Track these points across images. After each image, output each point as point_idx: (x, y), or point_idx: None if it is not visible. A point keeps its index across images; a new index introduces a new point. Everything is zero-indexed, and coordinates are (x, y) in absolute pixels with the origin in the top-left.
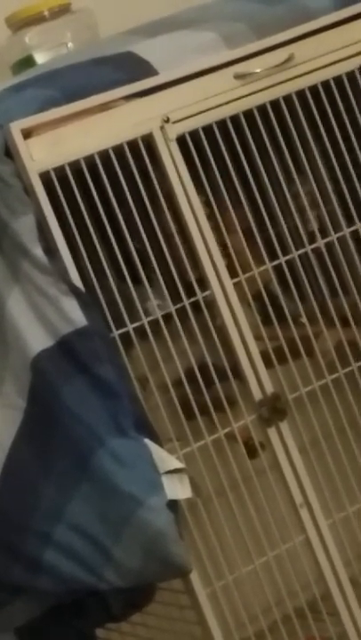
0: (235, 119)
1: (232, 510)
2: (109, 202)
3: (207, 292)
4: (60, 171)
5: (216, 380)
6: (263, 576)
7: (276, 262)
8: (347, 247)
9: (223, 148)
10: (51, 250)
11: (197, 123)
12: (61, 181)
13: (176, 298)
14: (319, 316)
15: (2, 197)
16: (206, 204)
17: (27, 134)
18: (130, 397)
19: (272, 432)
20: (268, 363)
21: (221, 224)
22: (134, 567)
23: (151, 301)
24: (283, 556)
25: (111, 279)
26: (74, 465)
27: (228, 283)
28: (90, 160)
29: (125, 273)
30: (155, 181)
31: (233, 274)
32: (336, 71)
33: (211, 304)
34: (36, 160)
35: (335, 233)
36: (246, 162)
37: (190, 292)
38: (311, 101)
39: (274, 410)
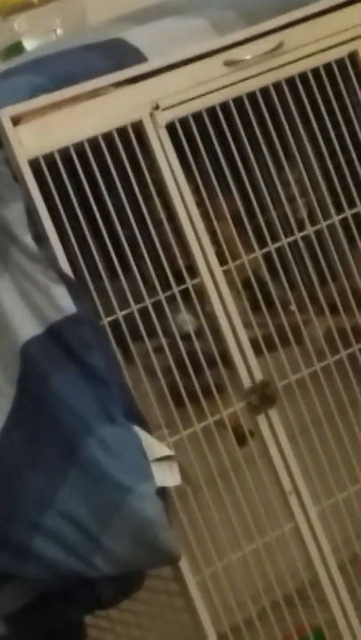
0: (224, 106)
1: (221, 498)
2: (99, 189)
3: (196, 280)
4: (49, 158)
5: (205, 368)
6: (252, 563)
7: (265, 250)
8: (336, 235)
9: (213, 136)
10: (40, 237)
11: (187, 110)
12: (51, 168)
13: (166, 285)
14: (308, 303)
15: None
16: (196, 191)
17: (16, 121)
18: (119, 385)
19: (261, 419)
20: (257, 350)
21: (211, 211)
22: (123, 554)
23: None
24: (272, 543)
25: (100, 266)
26: (63, 452)
27: (218, 270)
28: (79, 147)
29: (115, 260)
30: (144, 169)
31: (222, 261)
32: (326, 58)
33: (200, 291)
34: (25, 147)
35: (324, 221)
36: (236, 149)
37: (180, 279)
38: (301, 88)
39: (263, 397)
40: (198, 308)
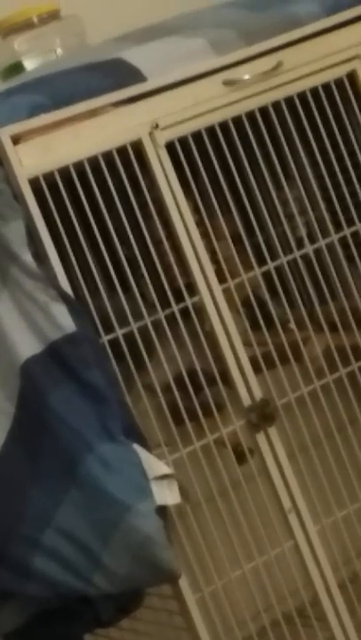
0: (223, 126)
1: (221, 516)
2: (99, 208)
3: (196, 298)
4: (49, 177)
5: (205, 386)
6: (252, 581)
7: (264, 268)
8: (335, 253)
9: (212, 155)
10: (40, 256)
11: (186, 129)
12: (51, 187)
13: (165, 304)
14: (308, 321)
15: None
16: (195, 210)
17: (16, 140)
18: (119, 403)
19: (261, 437)
20: (256, 368)
21: (210, 230)
22: (123, 572)
23: (140, 307)
24: (271, 561)
25: (100, 285)
26: (62, 470)
27: (217, 288)
28: (79, 166)
29: (114, 279)
30: (144, 188)
31: (222, 280)
32: (325, 78)
33: (199, 310)
34: (25, 166)
35: (323, 239)
36: (235, 168)
37: (179, 297)
38: (300, 108)
39: (263, 415)
40: (198, 326)
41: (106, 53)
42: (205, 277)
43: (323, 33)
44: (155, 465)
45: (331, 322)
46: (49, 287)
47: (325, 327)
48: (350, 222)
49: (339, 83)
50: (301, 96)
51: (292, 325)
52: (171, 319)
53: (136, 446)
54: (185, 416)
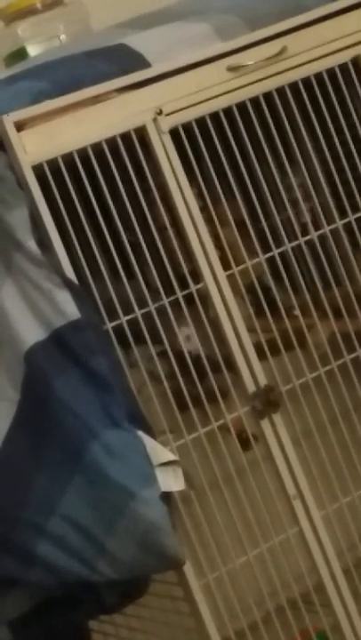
0: (228, 111)
1: (225, 502)
2: (102, 194)
3: (200, 285)
4: (53, 163)
5: (209, 372)
6: (257, 568)
7: (269, 254)
8: (339, 239)
9: (216, 141)
10: (44, 243)
11: (190, 115)
12: (54, 174)
13: (169, 290)
14: (312, 307)
15: None
16: (199, 196)
17: (19, 127)
18: (123, 389)
19: (265, 424)
20: (261, 355)
21: (214, 216)
22: (127, 559)
23: (144, 294)
24: (276, 547)
25: (104, 271)
26: (67, 457)
27: (222, 275)
28: (83, 153)
29: (118, 265)
30: (148, 174)
31: (226, 266)
32: (329, 63)
33: (204, 296)
34: (28, 153)
35: (328, 225)
36: (239, 154)
37: (183, 284)
38: (304, 94)
39: (267, 402)
40: (202, 312)
41: (110, 39)
42: (210, 264)
43: (327, 18)
44: (159, 451)
45: (335, 308)
46: (53, 274)
47: (330, 313)
48: (355, 208)
49: (343, 68)
50: (306, 81)
51: (297, 312)
52: (175, 306)
53: (140, 433)
54: (189, 403)
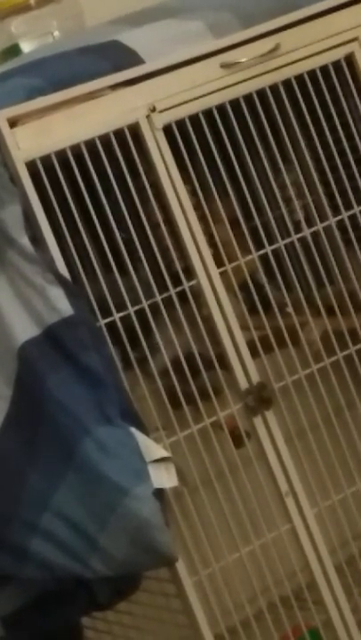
0: (221, 108)
1: (218, 499)
2: (96, 191)
3: (193, 282)
4: (46, 160)
5: (202, 370)
6: (249, 565)
7: (262, 252)
8: (333, 237)
9: (210, 138)
10: (37, 239)
11: (184, 112)
12: (48, 170)
13: (162, 287)
14: (305, 305)
15: None
16: (193, 193)
17: (13, 123)
18: (116, 386)
19: (258, 421)
20: (254, 352)
21: (208, 214)
22: (120, 556)
23: (137, 291)
24: (268, 544)
25: (97, 268)
26: (60, 454)
27: (215, 272)
28: (76, 149)
29: (112, 262)
30: (141, 171)
31: (219, 263)
32: (322, 60)
33: (197, 293)
34: (22, 149)
35: (321, 222)
36: (233, 151)
37: (177, 281)
38: (297, 91)
39: (260, 399)
40: (195, 310)
41: (103, 36)
42: (203, 261)
43: (320, 15)
44: (152, 448)
45: (328, 305)
46: (46, 271)
47: (323, 311)
48: (348, 206)
49: (337, 65)
50: (299, 79)
51: (290, 309)
52: (168, 303)
53: (133, 430)
54: (182, 400)
